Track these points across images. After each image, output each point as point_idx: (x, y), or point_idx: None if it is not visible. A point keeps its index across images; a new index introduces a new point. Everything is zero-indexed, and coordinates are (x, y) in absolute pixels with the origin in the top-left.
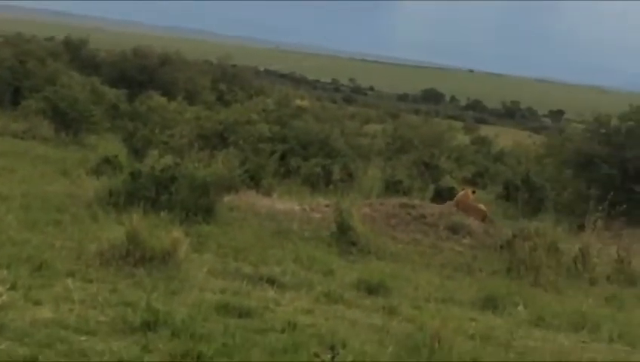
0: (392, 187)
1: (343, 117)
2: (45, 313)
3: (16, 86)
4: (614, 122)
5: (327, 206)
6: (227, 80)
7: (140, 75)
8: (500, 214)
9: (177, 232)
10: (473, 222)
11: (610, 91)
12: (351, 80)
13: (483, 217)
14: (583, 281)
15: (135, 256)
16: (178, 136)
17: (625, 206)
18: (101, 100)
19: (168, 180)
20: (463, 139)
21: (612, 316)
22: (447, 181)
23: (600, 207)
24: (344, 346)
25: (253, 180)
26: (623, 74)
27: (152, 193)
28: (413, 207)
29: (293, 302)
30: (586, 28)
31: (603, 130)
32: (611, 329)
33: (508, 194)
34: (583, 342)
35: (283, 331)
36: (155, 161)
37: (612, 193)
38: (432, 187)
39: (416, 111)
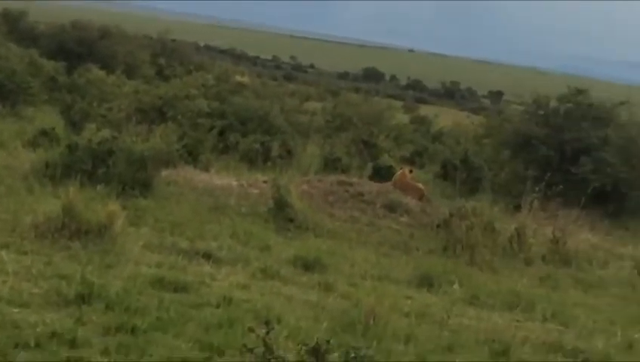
0: (330, 164)
1: (282, 94)
2: None
3: None
4: (553, 104)
5: (265, 182)
6: (167, 54)
7: (78, 48)
8: (438, 193)
9: (114, 206)
10: (411, 201)
11: (547, 73)
12: (292, 57)
13: (420, 196)
14: (519, 261)
15: (71, 228)
16: (116, 110)
17: (561, 187)
18: (39, 72)
19: (105, 153)
20: (402, 118)
21: (546, 296)
22: (385, 159)
23: (537, 188)
24: (279, 321)
25: (192, 155)
26: (560, 56)
27: (88, 166)
28: (351, 184)
29: (228, 277)
30: (524, 10)
31: (541, 112)
32: (545, 309)
33: (446, 173)
34: (517, 320)
35: (218, 306)
36: (93, 134)
37: (549, 174)
38: (370, 165)
39: (357, 90)
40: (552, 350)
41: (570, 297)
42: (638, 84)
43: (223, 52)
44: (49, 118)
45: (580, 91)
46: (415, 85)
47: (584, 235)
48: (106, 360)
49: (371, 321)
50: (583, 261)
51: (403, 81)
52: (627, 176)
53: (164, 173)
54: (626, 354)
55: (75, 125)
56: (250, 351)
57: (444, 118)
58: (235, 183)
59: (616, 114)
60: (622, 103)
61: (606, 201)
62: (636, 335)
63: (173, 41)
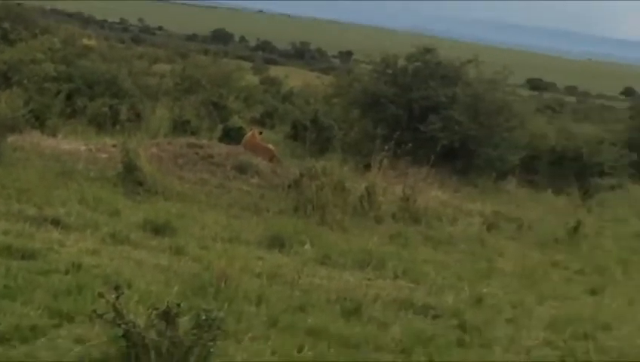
0: (179, 127)
1: (130, 57)
2: None
3: None
4: (401, 63)
5: (113, 146)
6: (11, 18)
7: None
8: (288, 154)
9: None
10: (261, 162)
11: (397, 32)
12: (140, 20)
13: (271, 157)
14: (369, 220)
15: None
16: None
17: (410, 145)
18: None
19: None
20: (252, 79)
21: (397, 253)
22: (235, 121)
23: (386, 147)
24: (129, 286)
25: (38, 120)
26: (414, 15)
27: None
28: (201, 146)
29: (78, 243)
30: None
31: (390, 71)
32: (396, 266)
33: (296, 134)
34: (368, 279)
35: (67, 272)
36: None
37: (398, 133)
38: (220, 127)
39: (206, 52)
40: (403, 307)
41: (420, 254)
42: (486, 42)
43: (69, 15)
44: None
45: (427, 50)
46: (264, 46)
47: (433, 193)
48: None
49: (222, 283)
50: (433, 218)
51: (252, 43)
52: (475, 134)
53: (10, 139)
54: (476, 309)
55: None
56: (100, 316)
57: (294, 78)
58: (83, 148)
59: (463, 72)
60: (469, 61)
61: (455, 159)
62: (485, 290)
63: (18, 4)
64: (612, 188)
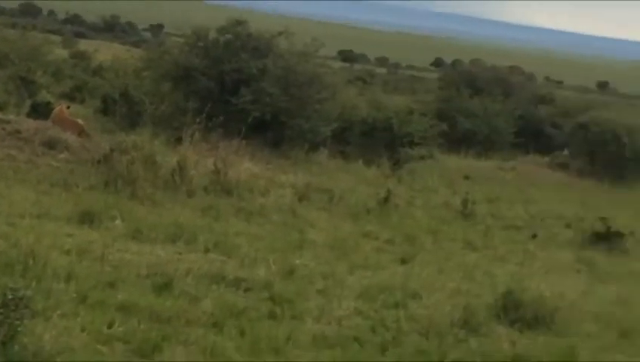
0: None
1: None
2: None
3: None
4: (212, 35)
5: None
6: None
7: None
8: (99, 128)
9: None
10: (70, 137)
11: (210, 5)
12: None
13: (80, 132)
14: (181, 193)
15: None
16: None
17: (222, 118)
18: None
19: None
20: (61, 53)
21: (209, 226)
22: (43, 96)
23: (198, 120)
24: None
25: None
26: None
27: None
28: (8, 122)
29: None
30: None
31: (201, 44)
32: (207, 240)
33: (106, 108)
34: (180, 253)
35: None
36: None
37: (210, 106)
38: (28, 102)
39: (13, 25)
40: (215, 280)
41: (232, 227)
42: (297, 15)
43: None
44: None
45: (238, 22)
46: (74, 20)
47: (245, 165)
48: None
49: (30, 261)
50: (245, 190)
51: (61, 16)
52: (286, 106)
53: None
54: (287, 281)
55: None
56: None
57: (105, 52)
58: None
59: (274, 44)
60: (280, 33)
61: (266, 131)
62: (297, 262)
63: None
64: (422, 158)
